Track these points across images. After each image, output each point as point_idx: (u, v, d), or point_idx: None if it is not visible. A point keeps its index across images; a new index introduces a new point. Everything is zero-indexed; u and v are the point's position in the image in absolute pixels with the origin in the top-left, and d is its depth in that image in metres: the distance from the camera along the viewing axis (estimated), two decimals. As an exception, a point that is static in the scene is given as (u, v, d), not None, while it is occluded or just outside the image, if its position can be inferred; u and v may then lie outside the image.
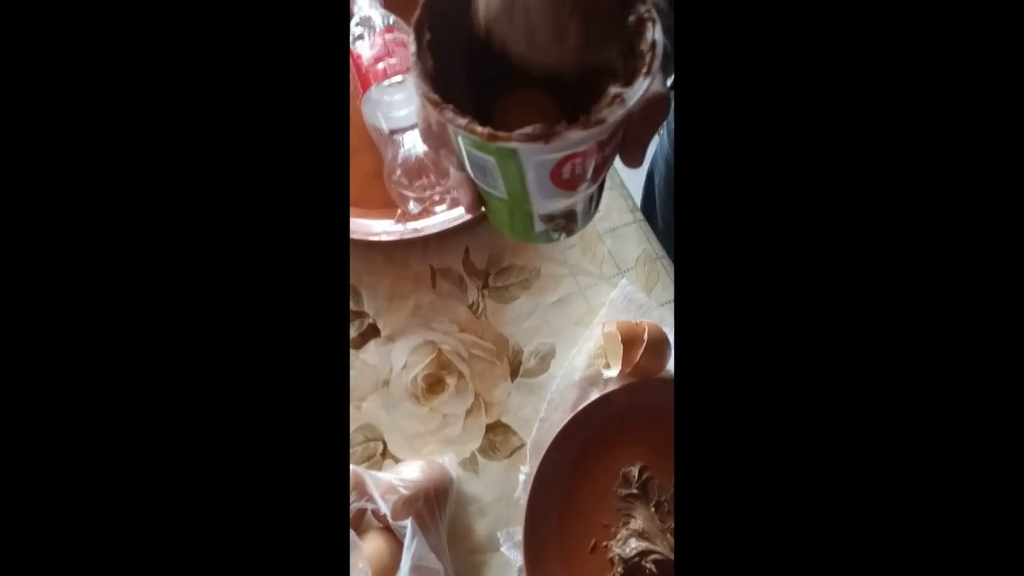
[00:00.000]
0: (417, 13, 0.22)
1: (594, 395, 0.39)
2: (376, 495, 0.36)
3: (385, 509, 0.36)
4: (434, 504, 0.37)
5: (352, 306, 0.43)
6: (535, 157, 0.21)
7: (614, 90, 0.20)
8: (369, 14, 0.46)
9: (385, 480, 0.36)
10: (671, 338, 0.40)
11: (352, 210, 0.45)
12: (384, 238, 0.44)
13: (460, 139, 0.22)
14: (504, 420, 0.41)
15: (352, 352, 0.42)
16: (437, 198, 0.46)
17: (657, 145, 0.65)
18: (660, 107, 0.24)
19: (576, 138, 0.20)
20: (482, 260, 0.45)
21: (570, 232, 0.27)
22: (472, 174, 0.24)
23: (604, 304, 0.44)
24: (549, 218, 0.25)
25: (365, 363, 0.42)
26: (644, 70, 0.21)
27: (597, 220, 0.47)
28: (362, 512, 0.38)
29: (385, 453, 0.40)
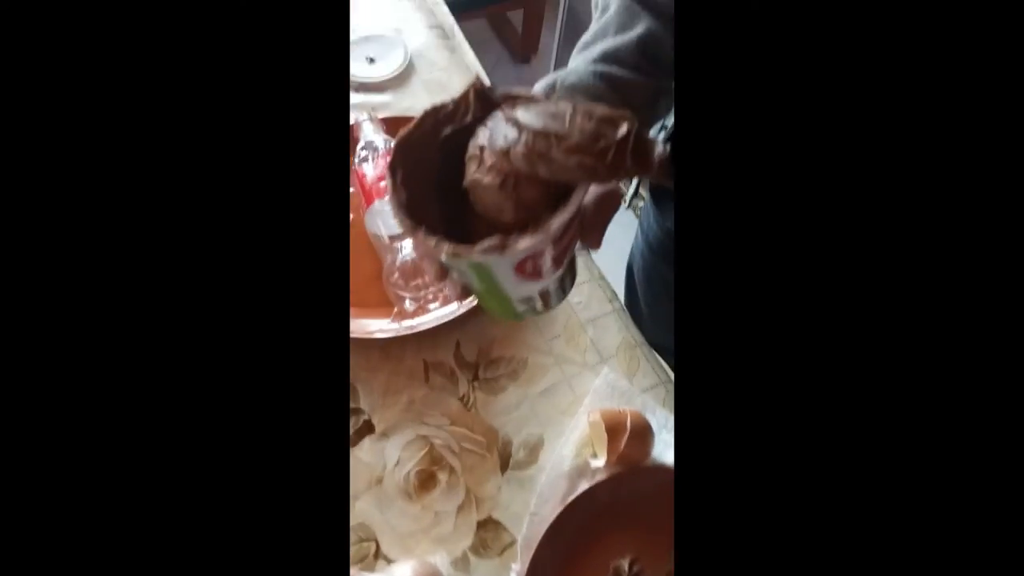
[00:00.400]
0: (391, 158, 0.27)
1: (583, 486, 0.40)
2: (368, 599, 0.36)
3: (377, 614, 0.36)
4: (426, 607, 0.37)
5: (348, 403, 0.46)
6: (497, 262, 0.25)
7: (561, 201, 0.24)
8: (372, 139, 0.53)
9: (376, 582, 0.36)
10: (654, 425, 0.42)
11: (352, 310, 0.49)
12: (380, 335, 0.47)
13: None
14: (495, 516, 0.42)
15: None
16: (431, 297, 0.50)
17: (634, 240, 0.70)
18: (611, 200, 0.30)
19: (527, 245, 0.24)
20: (472, 353, 0.48)
21: (548, 308, 0.31)
22: (454, 275, 0.29)
23: (589, 392, 0.46)
24: (526, 300, 0.30)
25: (360, 460, 0.43)
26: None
27: (579, 310, 0.50)
28: (354, 617, 0.38)
29: (378, 553, 0.40)
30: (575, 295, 0.51)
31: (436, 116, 0.27)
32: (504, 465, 0.44)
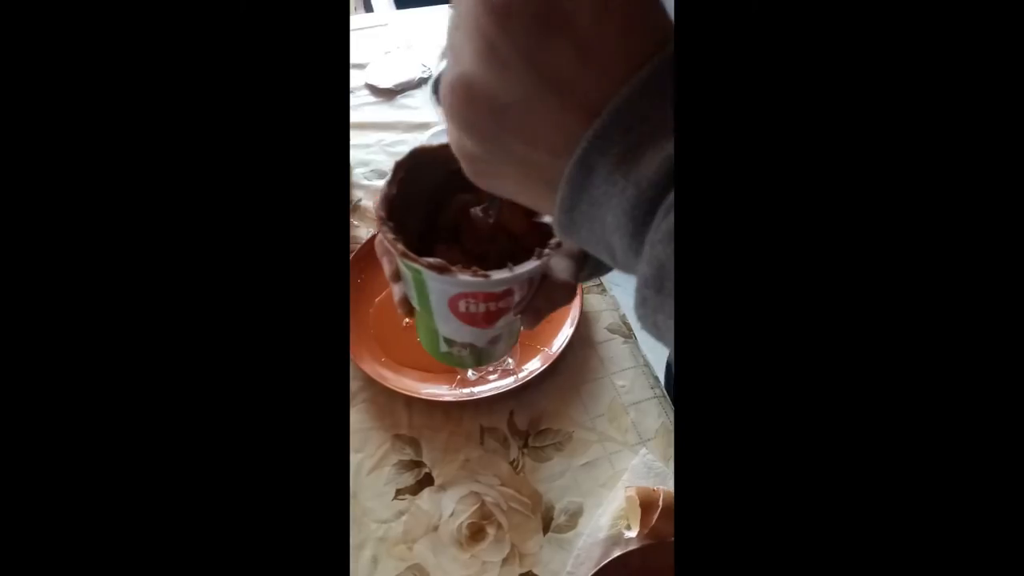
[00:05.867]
0: (402, 157, 0.31)
1: (615, 553, 0.49)
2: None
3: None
4: (468, 647, 0.46)
5: (413, 456, 0.57)
6: (435, 283, 0.29)
7: (511, 262, 0.28)
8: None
9: (429, 615, 0.46)
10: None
11: (421, 375, 0.62)
12: (444, 399, 0.59)
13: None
14: (535, 571, 0.51)
15: (409, 498, 0.55)
16: (491, 369, 0.62)
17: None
18: (564, 292, 0.33)
19: (464, 280, 0.27)
20: (524, 422, 0.59)
21: (468, 365, 0.36)
22: (403, 282, 0.32)
23: (627, 469, 0.56)
24: (451, 342, 0.33)
25: (419, 508, 0.54)
26: (536, 255, 0.28)
27: (623, 393, 0.61)
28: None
29: (430, 592, 0.50)
30: (620, 379, 0.62)
31: None
32: (546, 527, 0.53)
